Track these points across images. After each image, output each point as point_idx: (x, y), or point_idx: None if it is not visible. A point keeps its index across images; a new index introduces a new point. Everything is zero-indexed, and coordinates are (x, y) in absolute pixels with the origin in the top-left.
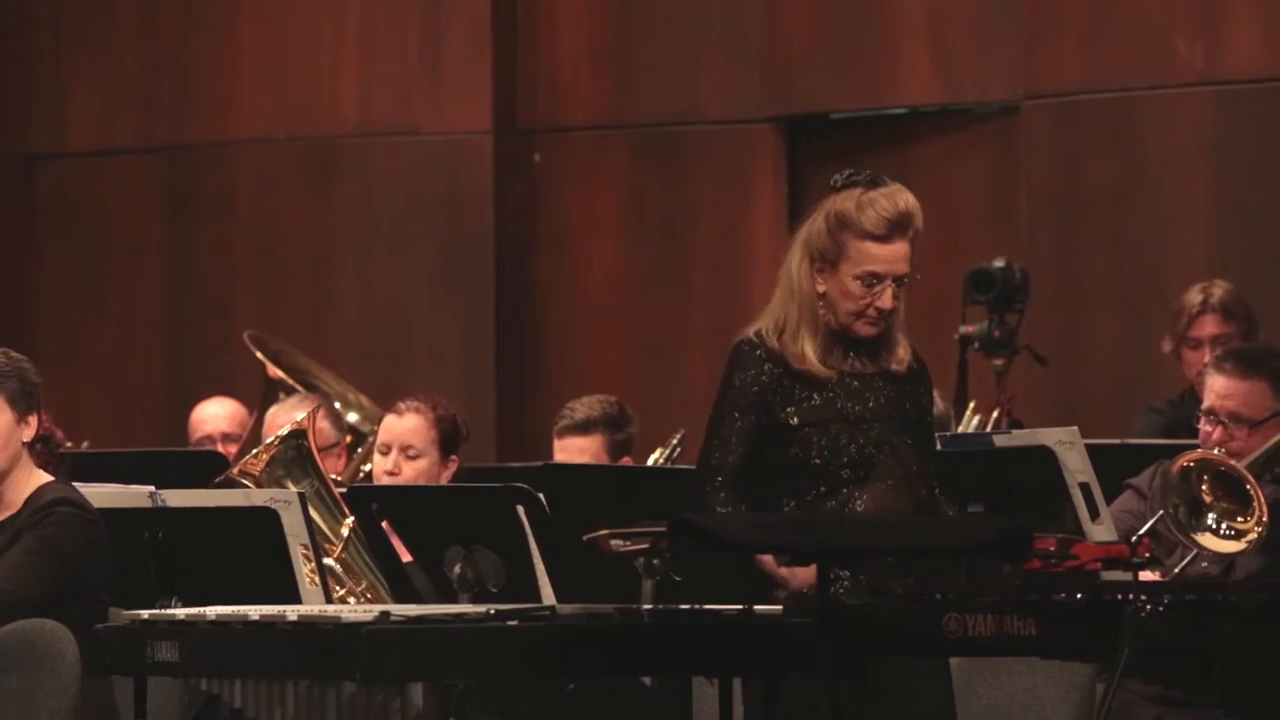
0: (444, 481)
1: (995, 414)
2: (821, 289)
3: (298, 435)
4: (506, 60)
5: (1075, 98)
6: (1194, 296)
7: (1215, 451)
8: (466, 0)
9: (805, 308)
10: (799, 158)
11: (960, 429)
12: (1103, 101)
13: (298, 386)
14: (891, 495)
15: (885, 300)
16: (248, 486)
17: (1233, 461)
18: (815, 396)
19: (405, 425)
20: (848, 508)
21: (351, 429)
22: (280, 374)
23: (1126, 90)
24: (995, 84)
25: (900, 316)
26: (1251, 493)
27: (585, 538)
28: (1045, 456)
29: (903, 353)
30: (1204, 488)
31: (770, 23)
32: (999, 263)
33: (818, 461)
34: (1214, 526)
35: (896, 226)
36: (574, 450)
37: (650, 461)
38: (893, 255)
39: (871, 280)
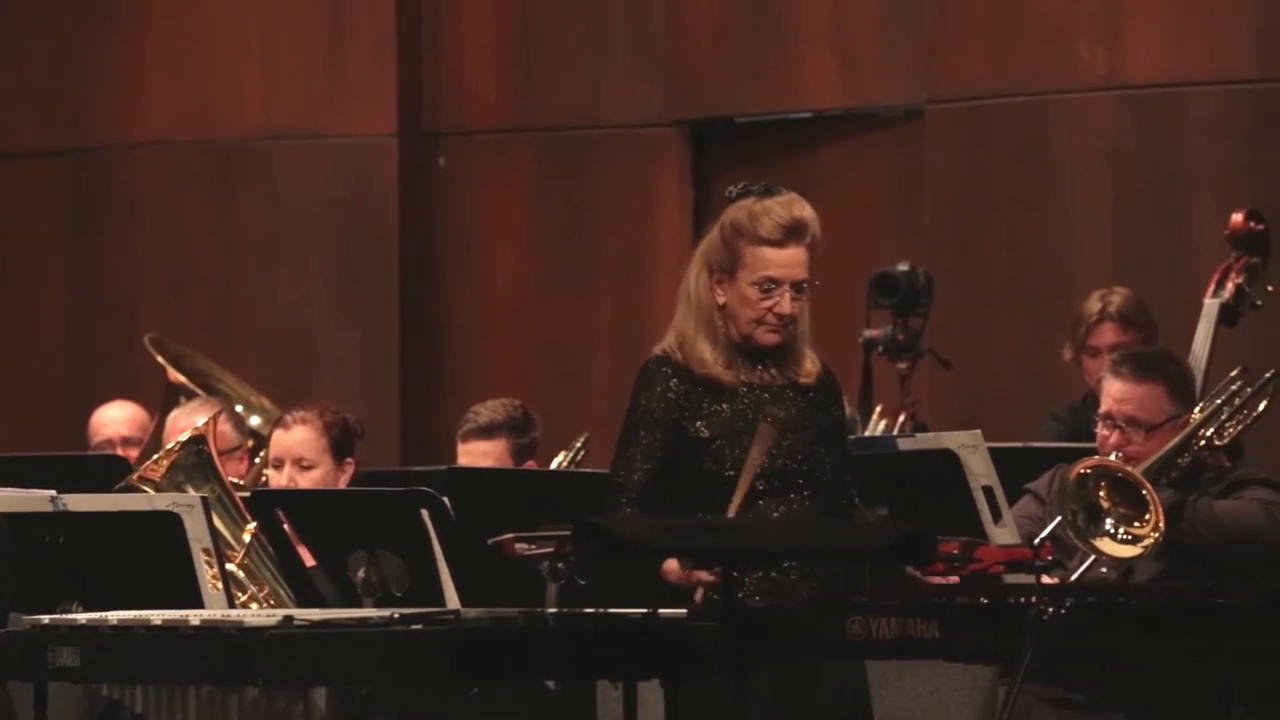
0: (342, 485)
1: (901, 418)
2: (721, 300)
3: (198, 441)
4: (411, 63)
5: (979, 102)
6: (1093, 304)
7: (1113, 457)
8: (371, 3)
9: (703, 319)
10: (704, 161)
11: (867, 432)
12: (1006, 106)
13: (199, 390)
14: (808, 506)
15: (784, 306)
16: (147, 492)
17: (1129, 468)
18: (725, 408)
19: (294, 438)
20: (764, 519)
21: (253, 433)
22: (181, 378)
23: (1030, 94)
24: (899, 88)
25: (806, 328)
26: (1148, 498)
27: (490, 541)
28: (948, 459)
29: (810, 365)
30: (1101, 494)
31: (675, 27)
32: (903, 266)
33: (731, 473)
34: (1112, 532)
35: (791, 232)
36: (477, 454)
37: (554, 465)
38: (788, 260)
39: (769, 285)
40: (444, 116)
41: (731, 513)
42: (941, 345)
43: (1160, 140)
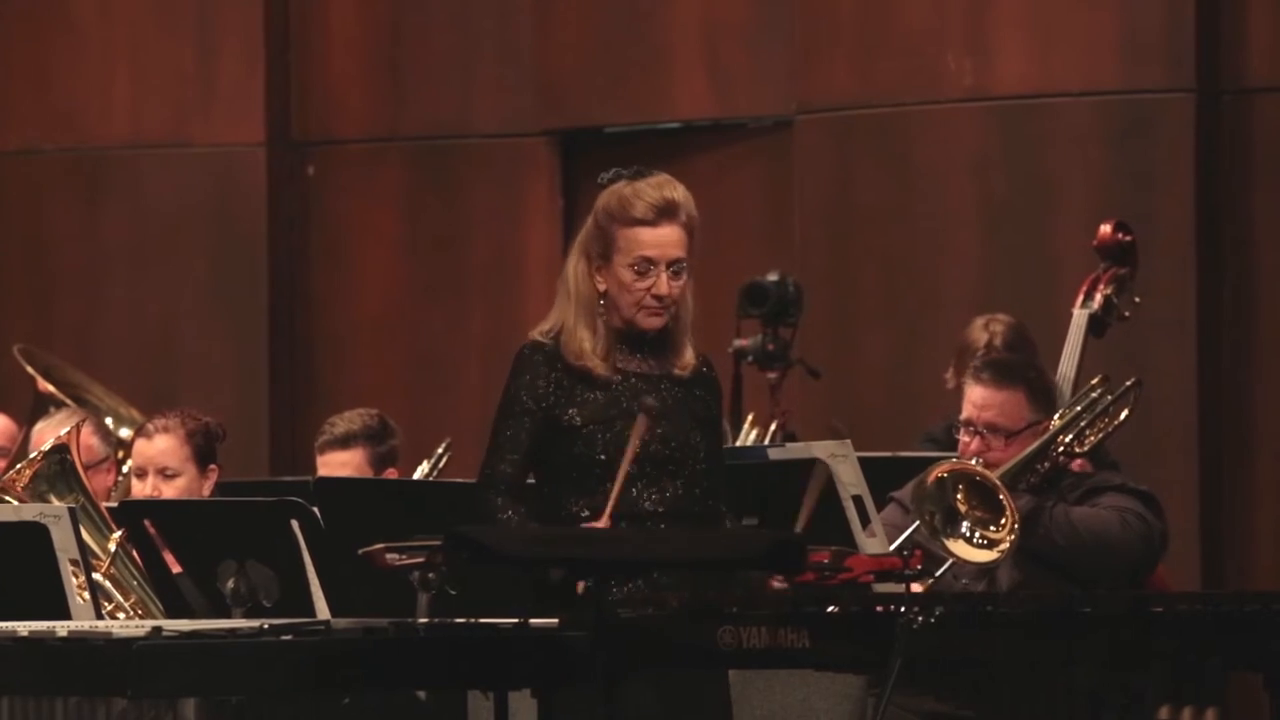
0: (206, 493)
1: (773, 428)
2: (602, 287)
3: (60, 450)
4: (279, 72)
5: (847, 113)
6: (978, 335)
7: (972, 462)
8: (239, 12)
9: (583, 308)
10: (573, 171)
11: (739, 442)
12: (875, 116)
13: (68, 401)
14: (679, 493)
15: (661, 286)
16: (9, 503)
17: (985, 471)
18: (598, 395)
19: (157, 447)
20: (637, 506)
21: (121, 444)
22: (50, 388)
23: (898, 105)
24: (768, 99)
25: (688, 319)
26: (1004, 502)
27: (360, 551)
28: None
29: (689, 357)
30: (959, 497)
31: (544, 36)
32: (773, 276)
33: (603, 457)
34: (967, 535)
35: (663, 211)
36: (335, 465)
37: (417, 474)
38: (662, 239)
39: (644, 266)
40: (313, 126)
41: (610, 502)
42: (811, 355)
43: (1027, 151)
